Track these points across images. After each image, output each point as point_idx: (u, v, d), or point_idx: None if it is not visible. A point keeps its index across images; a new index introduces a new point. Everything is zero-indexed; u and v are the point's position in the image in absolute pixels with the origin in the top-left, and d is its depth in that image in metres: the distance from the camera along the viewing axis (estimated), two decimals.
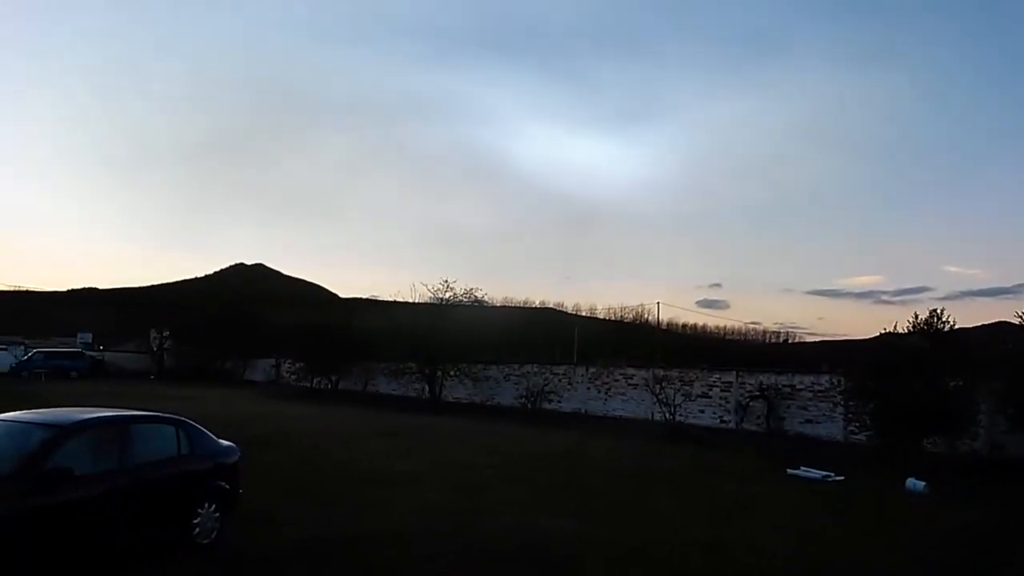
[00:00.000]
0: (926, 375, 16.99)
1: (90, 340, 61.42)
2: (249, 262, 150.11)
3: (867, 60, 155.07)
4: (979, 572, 8.43)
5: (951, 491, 13.53)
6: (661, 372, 26.03)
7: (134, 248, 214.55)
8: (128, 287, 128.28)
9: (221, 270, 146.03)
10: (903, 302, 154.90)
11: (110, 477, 7.14)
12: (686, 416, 24.37)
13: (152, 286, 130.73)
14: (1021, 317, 17.18)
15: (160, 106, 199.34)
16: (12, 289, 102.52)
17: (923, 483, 13.67)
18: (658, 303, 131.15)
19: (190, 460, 8.24)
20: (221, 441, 9.03)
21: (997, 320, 36.55)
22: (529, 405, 28.69)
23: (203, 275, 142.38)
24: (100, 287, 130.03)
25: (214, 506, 8.24)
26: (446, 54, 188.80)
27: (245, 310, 61.43)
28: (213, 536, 8.15)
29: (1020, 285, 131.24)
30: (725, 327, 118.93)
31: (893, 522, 11.11)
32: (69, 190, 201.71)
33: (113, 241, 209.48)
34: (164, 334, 55.58)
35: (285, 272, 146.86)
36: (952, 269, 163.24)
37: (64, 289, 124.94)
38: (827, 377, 22.01)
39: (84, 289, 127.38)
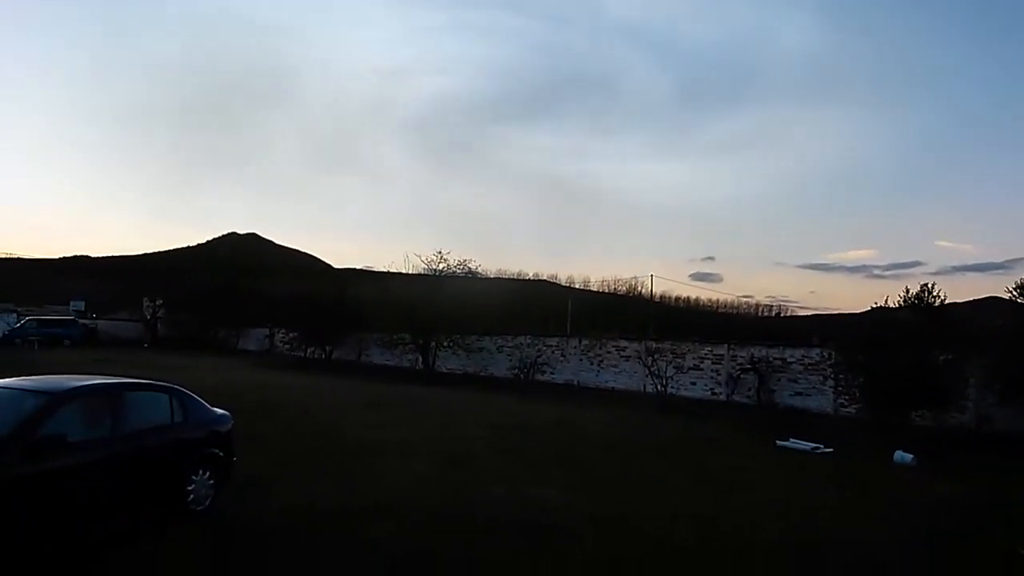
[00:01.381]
0: (916, 349, 17.12)
1: (83, 308, 61.17)
2: (242, 231, 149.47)
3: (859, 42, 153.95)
4: (965, 543, 8.54)
5: (939, 463, 13.69)
6: (653, 344, 26.16)
7: (126, 216, 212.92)
8: (121, 255, 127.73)
9: (214, 239, 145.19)
10: (895, 276, 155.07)
11: (103, 444, 7.17)
12: (677, 388, 24.54)
13: (145, 255, 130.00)
14: (1012, 292, 17.29)
15: (152, 73, 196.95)
16: (3, 256, 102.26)
17: (911, 455, 13.82)
18: (651, 276, 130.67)
19: (183, 428, 8.28)
20: (215, 409, 9.06)
21: (988, 295, 36.76)
22: (522, 376, 28.82)
23: (196, 244, 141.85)
24: (92, 255, 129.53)
25: (208, 473, 8.30)
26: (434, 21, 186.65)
27: (238, 279, 61.30)
28: (207, 503, 8.21)
29: (1011, 260, 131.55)
30: (718, 300, 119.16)
31: (881, 494, 11.25)
32: (60, 158, 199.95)
33: (105, 209, 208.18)
34: (157, 303, 55.50)
35: (279, 242, 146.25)
36: (944, 244, 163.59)
37: (56, 257, 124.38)
38: (818, 350, 22.16)
39: (76, 257, 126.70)
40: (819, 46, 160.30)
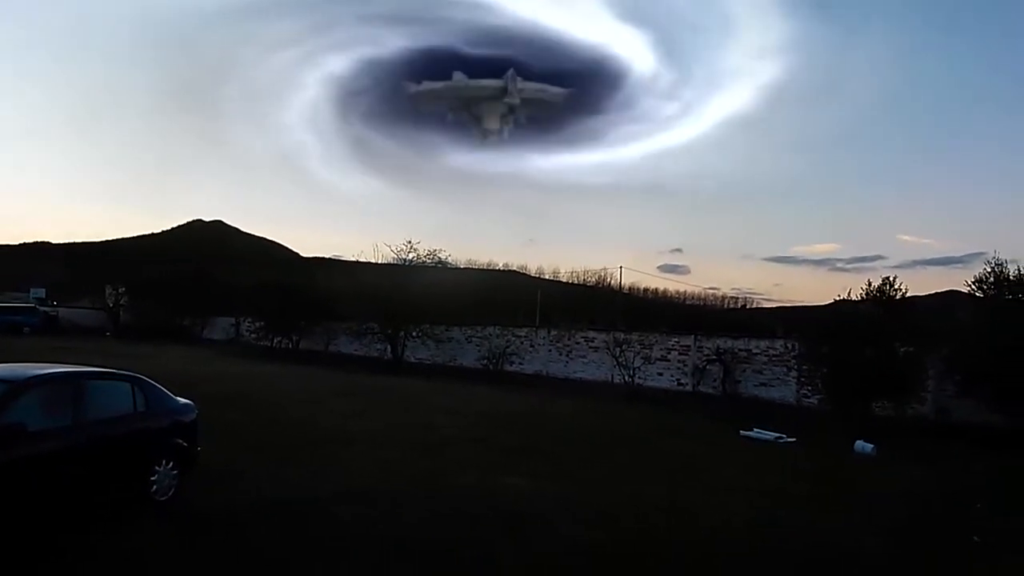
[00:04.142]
0: (877, 341, 17.45)
1: (44, 295, 60.03)
2: (207, 218, 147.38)
3: (829, 24, 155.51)
4: (921, 529, 8.76)
5: (898, 453, 14.01)
6: (621, 336, 26.32)
7: (88, 203, 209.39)
8: (83, 242, 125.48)
9: (178, 226, 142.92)
10: (858, 270, 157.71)
11: (64, 434, 7.04)
12: (645, 379, 24.74)
13: (107, 241, 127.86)
14: (971, 286, 17.69)
15: (115, 59, 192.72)
16: None
17: (871, 445, 14.11)
18: (620, 267, 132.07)
19: (147, 417, 8.17)
20: (179, 399, 8.96)
21: (948, 289, 37.53)
22: (491, 367, 28.87)
23: (160, 231, 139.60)
24: (54, 241, 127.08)
25: (172, 463, 8.20)
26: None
27: (203, 267, 60.49)
28: (171, 493, 8.11)
29: (971, 255, 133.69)
30: (685, 292, 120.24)
31: (842, 482, 11.49)
32: (19, 142, 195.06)
33: (66, 195, 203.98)
34: (120, 290, 54.57)
35: (245, 230, 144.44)
36: (906, 238, 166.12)
37: (17, 243, 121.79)
38: (782, 342, 22.48)
39: (37, 243, 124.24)
40: (781, 37, 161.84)
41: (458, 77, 37.62)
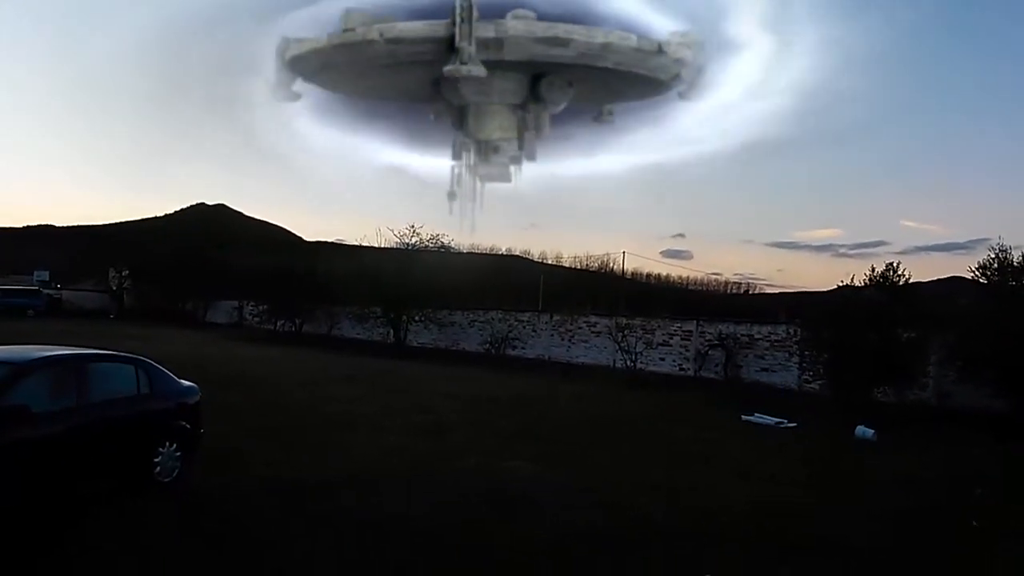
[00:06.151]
0: (880, 327, 17.42)
1: (47, 278, 60.19)
2: (211, 202, 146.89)
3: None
4: (920, 514, 8.79)
5: (899, 439, 14.01)
6: (624, 320, 26.33)
7: (92, 186, 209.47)
8: (87, 225, 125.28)
9: (182, 210, 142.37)
10: (860, 256, 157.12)
11: (68, 416, 7.09)
12: (647, 364, 24.80)
13: (111, 224, 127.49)
14: (974, 272, 17.65)
15: (119, 42, 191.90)
16: None
17: (872, 430, 14.12)
18: (623, 252, 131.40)
19: (150, 399, 8.22)
20: (182, 381, 9.00)
21: (951, 275, 37.46)
22: (493, 351, 28.95)
23: (163, 215, 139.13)
24: (57, 224, 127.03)
25: (175, 445, 8.25)
26: None
27: (207, 250, 60.52)
28: (174, 475, 8.17)
29: (973, 241, 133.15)
30: (688, 277, 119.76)
31: (842, 467, 11.52)
32: (23, 126, 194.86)
33: (70, 178, 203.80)
34: (124, 273, 54.71)
35: (248, 214, 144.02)
36: (909, 224, 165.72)
37: (21, 226, 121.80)
38: (784, 327, 22.48)
39: (41, 226, 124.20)
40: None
41: (354, 19, 11.91)
